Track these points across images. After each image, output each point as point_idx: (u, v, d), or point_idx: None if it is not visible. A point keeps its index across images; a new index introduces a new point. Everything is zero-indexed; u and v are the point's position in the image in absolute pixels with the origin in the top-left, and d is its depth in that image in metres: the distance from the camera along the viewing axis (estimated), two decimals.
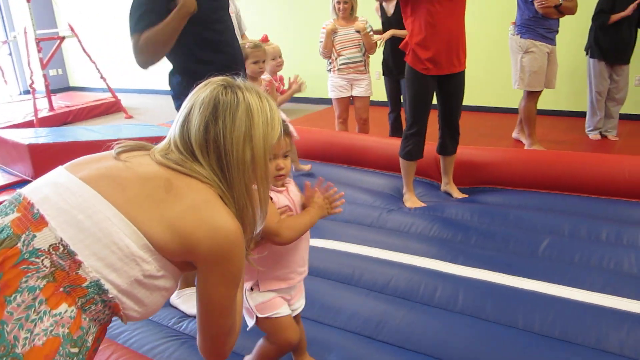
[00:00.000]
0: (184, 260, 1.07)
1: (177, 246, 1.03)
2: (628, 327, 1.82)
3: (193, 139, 1.08)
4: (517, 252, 2.42)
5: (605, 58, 4.57)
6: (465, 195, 3.14)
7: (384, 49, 4.16)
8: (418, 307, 2.02)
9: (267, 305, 1.52)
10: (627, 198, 2.83)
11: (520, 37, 4.22)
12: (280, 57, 3.58)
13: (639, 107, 5.22)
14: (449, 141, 3.09)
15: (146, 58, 2.00)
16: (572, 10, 4.14)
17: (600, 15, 4.54)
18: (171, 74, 2.19)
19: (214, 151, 1.08)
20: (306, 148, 3.83)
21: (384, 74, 4.25)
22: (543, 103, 4.98)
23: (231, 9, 3.92)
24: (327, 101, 6.98)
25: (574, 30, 5.26)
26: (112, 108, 7.19)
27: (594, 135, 4.80)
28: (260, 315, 1.52)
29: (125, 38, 2.09)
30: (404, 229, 2.70)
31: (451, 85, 2.95)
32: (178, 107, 1.55)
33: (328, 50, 4.11)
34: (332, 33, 4.04)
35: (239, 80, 1.15)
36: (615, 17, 4.40)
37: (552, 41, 4.23)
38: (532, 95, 4.35)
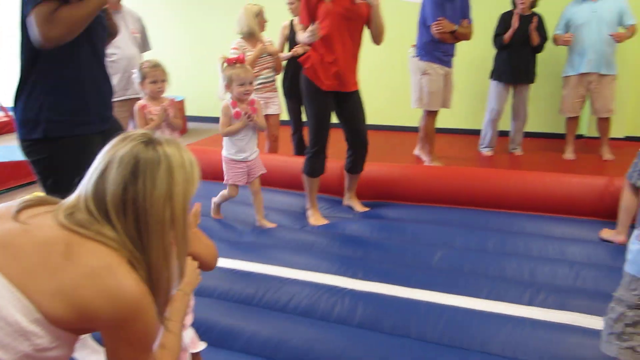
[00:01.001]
0: (85, 327, 1.02)
1: (74, 316, 0.98)
2: (509, 329, 1.96)
3: (109, 199, 1.03)
4: (413, 264, 2.53)
5: (504, 79, 4.92)
6: (367, 209, 3.26)
7: (286, 70, 4.27)
8: (317, 323, 2.07)
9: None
10: (512, 210, 3.06)
11: (419, 59, 4.45)
12: (250, 83, 2.96)
13: (542, 126, 5.68)
14: (359, 160, 3.20)
15: (61, 32, 1.80)
16: (466, 36, 4.45)
17: (496, 38, 4.90)
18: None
19: (132, 212, 1.03)
20: (210, 169, 3.81)
21: (285, 95, 4.34)
22: (442, 122, 5.28)
23: (135, 29, 3.88)
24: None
25: (470, 54, 5.65)
26: (4, 129, 6.69)
27: (487, 152, 5.13)
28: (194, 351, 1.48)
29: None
30: (308, 247, 2.76)
31: (350, 104, 3.07)
32: None
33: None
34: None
35: (158, 134, 1.12)
36: (506, 36, 4.76)
37: (448, 64, 4.50)
38: (430, 115, 4.60)
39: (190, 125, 7.09)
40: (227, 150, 2.98)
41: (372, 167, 3.48)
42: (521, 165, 4.89)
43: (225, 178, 3.00)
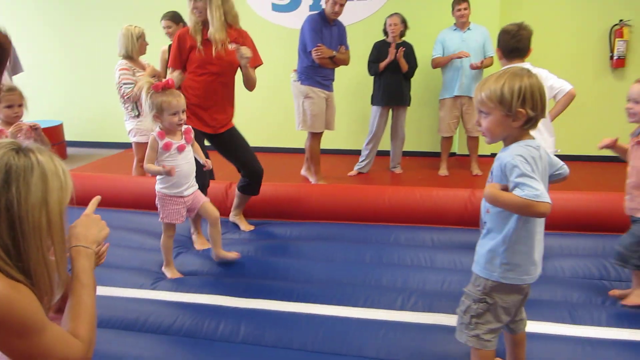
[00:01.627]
0: None
1: None
2: (383, 333, 2.11)
3: None
4: (295, 279, 2.63)
5: (381, 103, 5.23)
6: (252, 227, 3.32)
7: None
8: (201, 342, 2.10)
9: None
10: (388, 223, 3.27)
11: (301, 83, 4.64)
12: (183, 112, 2.61)
13: (419, 145, 6.06)
14: (255, 185, 3.26)
15: None
16: (344, 62, 4.72)
17: (370, 65, 5.22)
18: None
19: (6, 220, 1.02)
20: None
21: None
22: (326, 143, 5.50)
23: None
24: (114, 145, 6.83)
25: (351, 79, 5.96)
26: None
27: (360, 170, 5.42)
28: None
29: None
30: (192, 270, 2.76)
31: (228, 139, 3.16)
32: None
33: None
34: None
35: (28, 143, 1.11)
36: (382, 64, 5.09)
37: (328, 88, 4.73)
38: (314, 136, 4.79)
39: (70, 150, 6.78)
40: (159, 183, 2.64)
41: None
42: (400, 182, 5.22)
43: (160, 215, 2.68)
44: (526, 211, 1.48)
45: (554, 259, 2.74)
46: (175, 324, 2.20)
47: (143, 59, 4.26)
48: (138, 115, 4.18)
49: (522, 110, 1.52)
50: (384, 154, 5.59)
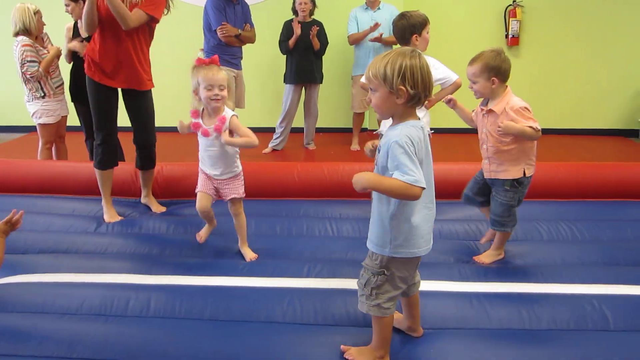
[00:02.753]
0: None
1: None
2: (288, 299, 2.24)
3: None
4: (206, 255, 2.72)
5: (293, 81, 5.32)
6: (164, 209, 3.34)
7: (72, 73, 4.17)
8: (111, 319, 2.13)
9: None
10: (297, 197, 3.40)
11: None
12: (220, 88, 2.47)
13: (332, 122, 6.22)
14: (145, 159, 3.27)
15: None
16: (250, 39, 4.77)
17: (282, 44, 5.30)
18: None
19: None
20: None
21: (72, 99, 4.22)
22: (241, 121, 5.51)
23: None
24: (20, 129, 6.51)
25: (262, 58, 5.99)
26: None
27: (275, 147, 5.54)
28: None
29: None
30: (102, 250, 2.76)
31: (136, 102, 3.15)
32: None
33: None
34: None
35: None
36: (290, 42, 5.17)
37: (237, 66, 4.76)
38: None
39: None
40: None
41: (172, 167, 3.58)
42: (314, 158, 5.37)
43: None
44: (404, 195, 1.61)
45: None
46: (84, 304, 2.21)
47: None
48: (44, 96, 4.05)
49: (403, 87, 1.63)
50: (298, 130, 5.71)
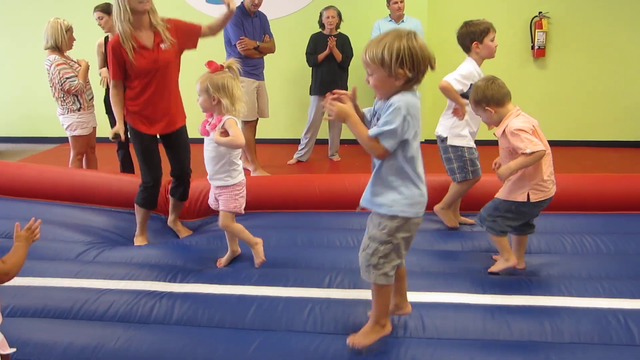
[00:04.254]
0: None
1: None
2: (309, 309, 2.26)
3: None
4: (231, 264, 2.77)
5: (318, 92, 5.38)
6: (190, 232, 3.31)
7: (108, 86, 4.28)
8: (134, 326, 2.19)
9: None
10: (318, 209, 3.43)
11: None
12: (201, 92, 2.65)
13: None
14: (180, 190, 3.26)
15: None
16: (270, 50, 4.88)
17: (308, 57, 5.36)
18: None
19: None
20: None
21: (107, 112, 4.33)
22: (265, 133, 5.61)
23: None
24: (45, 140, 6.69)
25: (288, 69, 6.08)
26: None
27: (300, 158, 5.57)
28: None
29: None
30: (127, 260, 2.82)
31: (174, 139, 3.15)
32: None
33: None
34: None
35: None
36: (321, 56, 5.24)
37: (258, 77, 4.87)
38: (248, 125, 4.91)
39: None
40: None
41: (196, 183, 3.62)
42: (339, 169, 5.40)
43: None
44: (369, 146, 1.75)
45: None
46: (110, 310, 2.28)
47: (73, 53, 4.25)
48: (79, 109, 4.17)
49: (401, 71, 1.68)
50: (323, 142, 5.75)
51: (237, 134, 2.48)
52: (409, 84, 1.73)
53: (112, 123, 4.34)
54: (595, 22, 5.92)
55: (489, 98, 2.43)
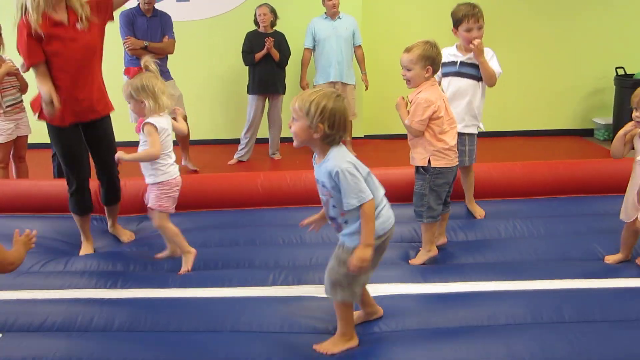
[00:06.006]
0: None
1: None
2: (254, 308, 2.27)
3: None
4: (171, 268, 2.71)
5: (257, 91, 5.35)
6: (133, 237, 3.17)
7: None
8: (75, 335, 2.13)
9: None
10: (261, 207, 3.42)
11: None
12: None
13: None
14: (109, 192, 3.08)
15: None
16: (164, 50, 4.78)
17: (245, 56, 5.31)
18: None
19: None
20: None
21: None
22: (206, 133, 5.54)
23: None
24: None
25: (223, 69, 6.01)
26: None
27: (240, 158, 5.55)
28: None
29: None
30: (65, 269, 2.73)
31: (94, 132, 2.93)
32: None
33: None
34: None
35: None
36: (258, 55, 5.21)
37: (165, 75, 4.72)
38: None
39: None
40: None
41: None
42: (280, 167, 5.40)
43: None
44: (369, 213, 1.87)
45: None
46: (47, 321, 2.20)
47: None
48: None
49: (321, 125, 1.83)
50: (263, 141, 5.73)
51: (152, 143, 2.55)
52: (326, 141, 1.87)
53: None
54: (521, 11, 6.15)
55: (436, 61, 2.56)
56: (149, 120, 2.55)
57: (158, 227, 2.68)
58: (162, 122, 2.59)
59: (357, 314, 2.15)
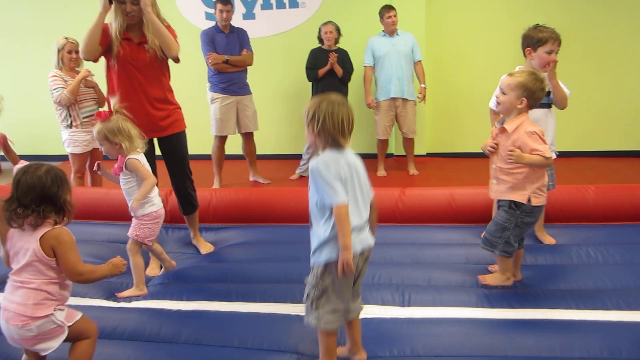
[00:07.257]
0: None
1: None
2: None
3: None
4: (237, 281, 2.74)
5: None
6: (212, 249, 3.26)
7: None
8: (144, 345, 2.18)
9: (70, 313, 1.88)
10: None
11: (209, 90, 5.01)
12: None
13: (357, 148, 6.18)
14: (183, 202, 3.23)
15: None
16: (244, 62, 4.97)
17: (308, 72, 5.37)
18: None
19: None
20: None
21: None
22: (269, 148, 5.60)
23: None
24: (52, 158, 6.68)
25: (285, 85, 6.10)
26: None
27: (302, 174, 5.54)
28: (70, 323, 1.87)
29: None
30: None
31: (165, 148, 3.11)
32: None
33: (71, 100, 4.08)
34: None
35: None
36: (321, 71, 5.26)
37: (235, 92, 4.96)
38: (218, 139, 5.05)
39: (4, 165, 6.61)
40: None
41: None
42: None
43: None
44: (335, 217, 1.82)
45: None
46: (118, 329, 2.27)
47: None
48: (70, 125, 4.15)
49: (311, 127, 1.87)
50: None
51: (145, 174, 2.65)
52: (321, 142, 1.88)
53: None
54: (593, 30, 5.93)
55: (534, 95, 2.42)
56: (131, 156, 2.63)
57: (128, 251, 2.70)
58: (140, 156, 2.69)
59: (340, 349, 2.10)
